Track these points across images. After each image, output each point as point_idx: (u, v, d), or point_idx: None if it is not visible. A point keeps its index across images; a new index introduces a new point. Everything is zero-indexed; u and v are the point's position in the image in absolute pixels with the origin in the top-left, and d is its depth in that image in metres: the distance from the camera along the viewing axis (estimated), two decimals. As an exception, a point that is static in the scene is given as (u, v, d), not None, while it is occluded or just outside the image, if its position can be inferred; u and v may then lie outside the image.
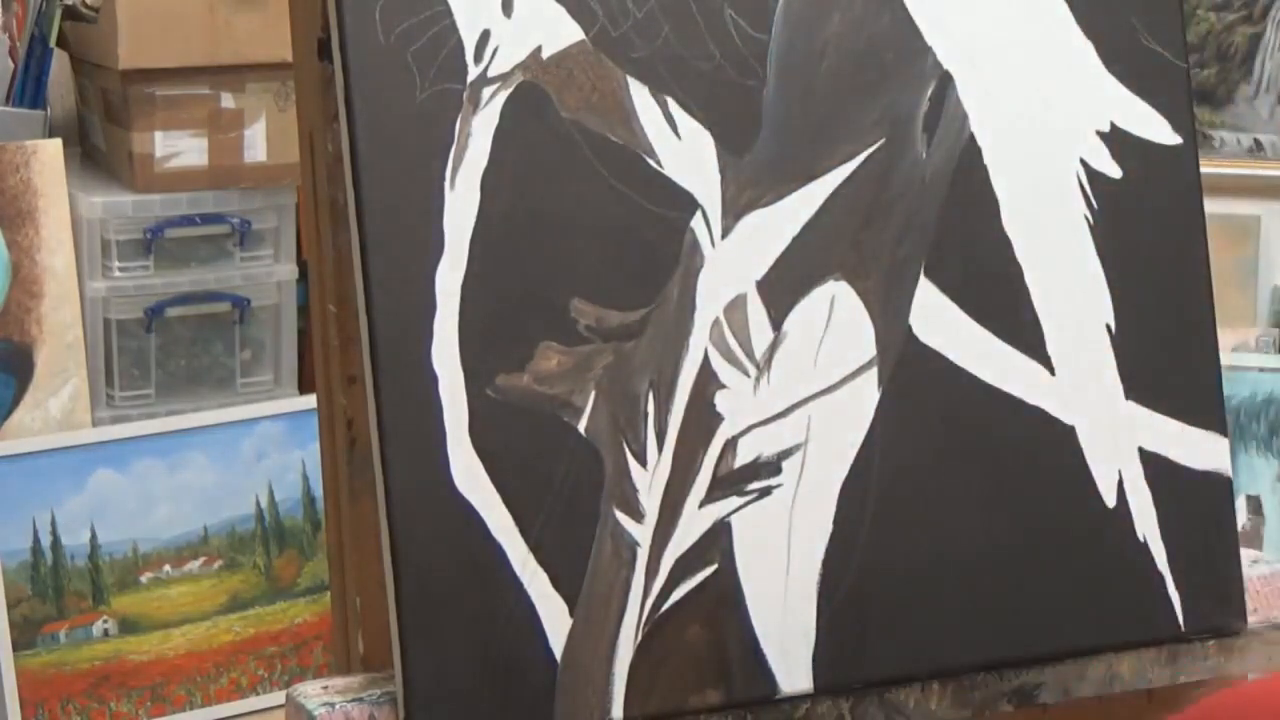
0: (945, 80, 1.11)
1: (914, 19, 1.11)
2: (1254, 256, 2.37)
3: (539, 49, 1.03)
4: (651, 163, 1.04)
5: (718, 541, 1.05)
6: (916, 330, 1.10)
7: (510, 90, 1.02)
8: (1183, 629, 1.15)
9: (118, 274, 2.65)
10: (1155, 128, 1.16)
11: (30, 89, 2.65)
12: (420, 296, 0.99)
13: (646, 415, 1.04)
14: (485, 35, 1.02)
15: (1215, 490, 1.17)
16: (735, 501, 1.05)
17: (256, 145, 2.70)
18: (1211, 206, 1.19)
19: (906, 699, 1.10)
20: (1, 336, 2.53)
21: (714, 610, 1.05)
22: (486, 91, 1.02)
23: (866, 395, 1.08)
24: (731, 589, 1.05)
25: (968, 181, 1.11)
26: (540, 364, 1.02)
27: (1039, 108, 1.14)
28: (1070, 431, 1.13)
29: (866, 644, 1.08)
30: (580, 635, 1.02)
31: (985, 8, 1.12)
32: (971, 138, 1.12)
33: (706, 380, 1.05)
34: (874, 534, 1.08)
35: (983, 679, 1.12)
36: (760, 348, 1.06)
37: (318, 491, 2.60)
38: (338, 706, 1.01)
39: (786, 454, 1.07)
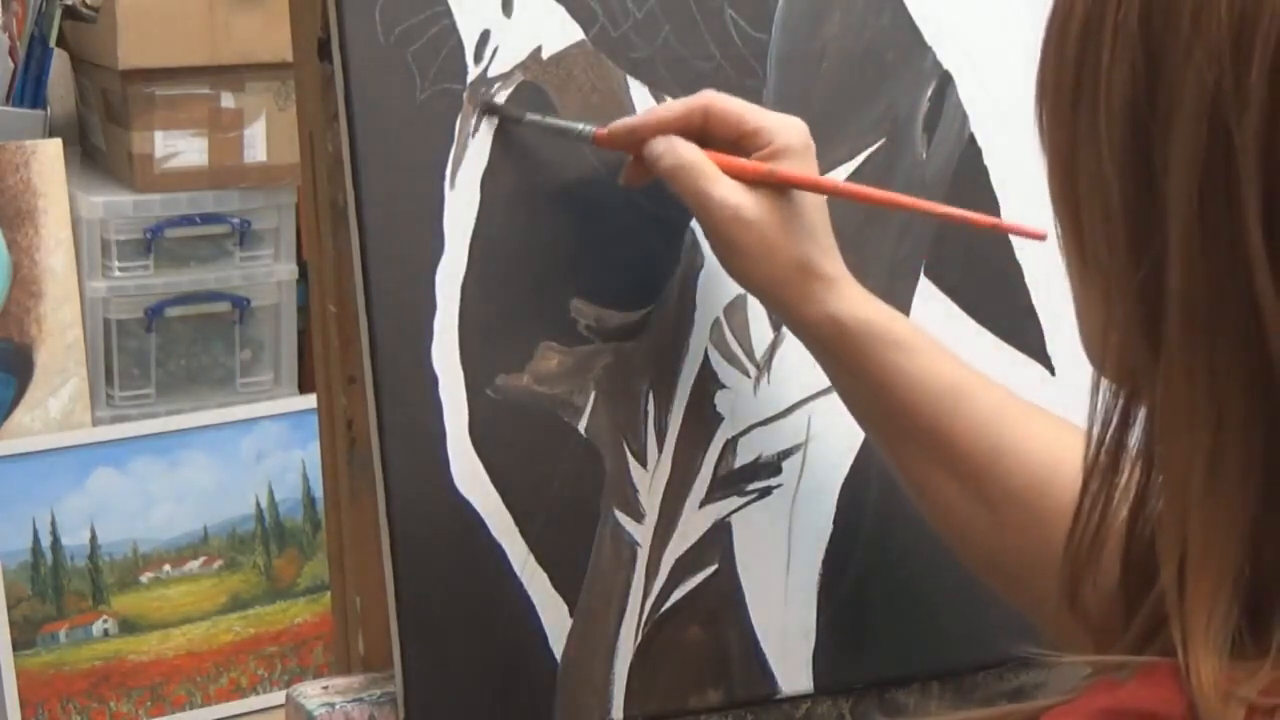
0: (945, 80, 1.11)
1: (914, 19, 1.11)
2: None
3: (539, 49, 1.03)
4: (651, 163, 1.04)
5: (718, 541, 1.05)
6: (917, 330, 1.09)
7: (510, 90, 1.02)
8: (1183, 629, 1.15)
9: (118, 274, 2.65)
10: (1155, 128, 1.16)
11: (30, 89, 2.66)
12: (420, 296, 0.99)
13: (646, 415, 1.04)
14: (485, 35, 1.02)
15: (1215, 490, 1.17)
16: (735, 501, 1.05)
17: (256, 145, 2.70)
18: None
19: (906, 699, 1.10)
20: (1, 336, 2.53)
21: (714, 610, 1.05)
22: (486, 91, 1.02)
23: (866, 395, 1.08)
24: (731, 589, 1.05)
25: (968, 181, 1.11)
26: (540, 364, 1.01)
27: (1039, 108, 1.13)
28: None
29: (866, 644, 1.08)
30: (580, 635, 1.02)
31: (985, 8, 1.13)
32: (971, 138, 1.12)
33: (706, 380, 1.05)
34: (874, 534, 1.08)
35: (983, 679, 1.12)
36: (760, 348, 1.06)
37: (318, 491, 2.60)
38: (338, 706, 1.01)
39: (786, 454, 1.07)
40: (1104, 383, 0.70)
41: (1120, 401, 0.69)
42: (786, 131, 0.98)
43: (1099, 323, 0.68)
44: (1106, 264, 0.66)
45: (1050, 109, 0.68)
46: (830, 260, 0.97)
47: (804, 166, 0.97)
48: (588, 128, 1.00)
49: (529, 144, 1.02)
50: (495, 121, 1.01)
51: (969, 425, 0.95)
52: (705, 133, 0.98)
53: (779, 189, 0.96)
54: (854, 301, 0.97)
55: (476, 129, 1.01)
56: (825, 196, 0.99)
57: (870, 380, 0.96)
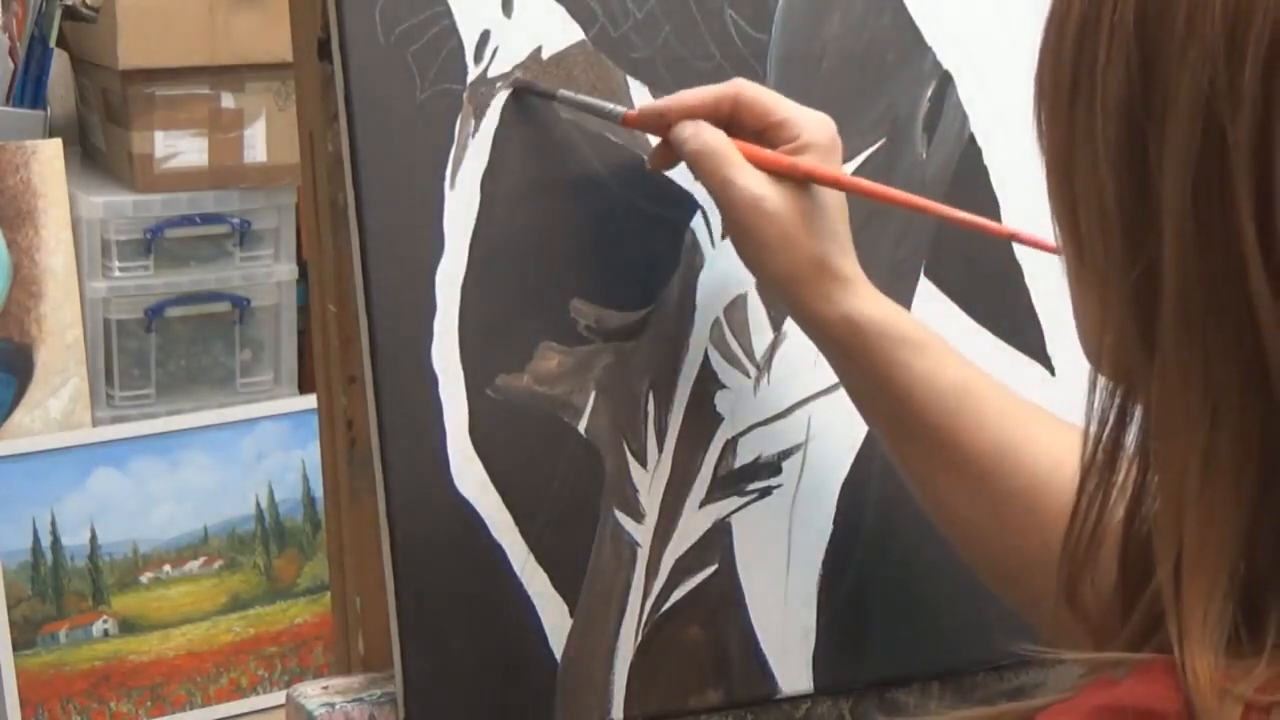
0: (945, 80, 1.12)
1: (914, 19, 1.11)
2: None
3: (539, 49, 1.03)
4: (651, 163, 1.04)
5: (718, 541, 1.05)
6: (916, 330, 1.09)
7: (510, 90, 1.02)
8: (1183, 629, 1.15)
9: (118, 274, 2.65)
10: (1155, 128, 1.16)
11: (30, 89, 2.66)
12: (420, 296, 0.99)
13: (646, 415, 1.04)
14: (485, 35, 1.02)
15: (1215, 490, 1.17)
16: (735, 501, 1.05)
17: (256, 145, 2.70)
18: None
19: (906, 699, 1.10)
20: (1, 336, 2.53)
21: (714, 610, 1.05)
22: (486, 92, 1.02)
23: (866, 395, 1.08)
24: (731, 589, 1.05)
25: (968, 182, 1.11)
26: (540, 364, 1.02)
27: (1039, 108, 1.13)
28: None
29: (866, 644, 1.08)
30: (580, 635, 1.02)
31: (985, 8, 1.13)
32: (971, 138, 1.12)
33: (706, 380, 1.05)
34: (874, 534, 1.08)
35: (983, 679, 1.12)
36: (760, 348, 1.06)
37: (318, 491, 2.60)
38: (338, 706, 1.01)
39: (786, 454, 1.07)
40: (1101, 381, 0.70)
41: (1117, 400, 0.69)
42: (814, 126, 0.98)
43: (1095, 321, 0.68)
44: (1103, 263, 0.66)
45: (1048, 109, 0.68)
46: (847, 260, 0.98)
47: (829, 163, 0.98)
48: (618, 108, 1.01)
49: (529, 144, 1.02)
50: (495, 121, 1.01)
51: (975, 425, 0.95)
52: (733, 121, 0.98)
53: (802, 184, 0.97)
54: (867, 301, 0.97)
55: (477, 128, 1.01)
56: (845, 195, 0.99)
57: (879, 377, 0.97)
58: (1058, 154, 0.68)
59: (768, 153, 0.97)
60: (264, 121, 2.66)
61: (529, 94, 1.01)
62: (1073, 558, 0.71)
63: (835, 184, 0.98)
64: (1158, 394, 0.64)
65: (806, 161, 0.96)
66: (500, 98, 1.02)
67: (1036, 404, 0.99)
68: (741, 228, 0.97)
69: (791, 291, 0.98)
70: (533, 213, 1.02)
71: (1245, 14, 0.60)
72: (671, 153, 1.00)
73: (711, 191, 0.98)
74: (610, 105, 1.01)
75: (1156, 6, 0.62)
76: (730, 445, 1.06)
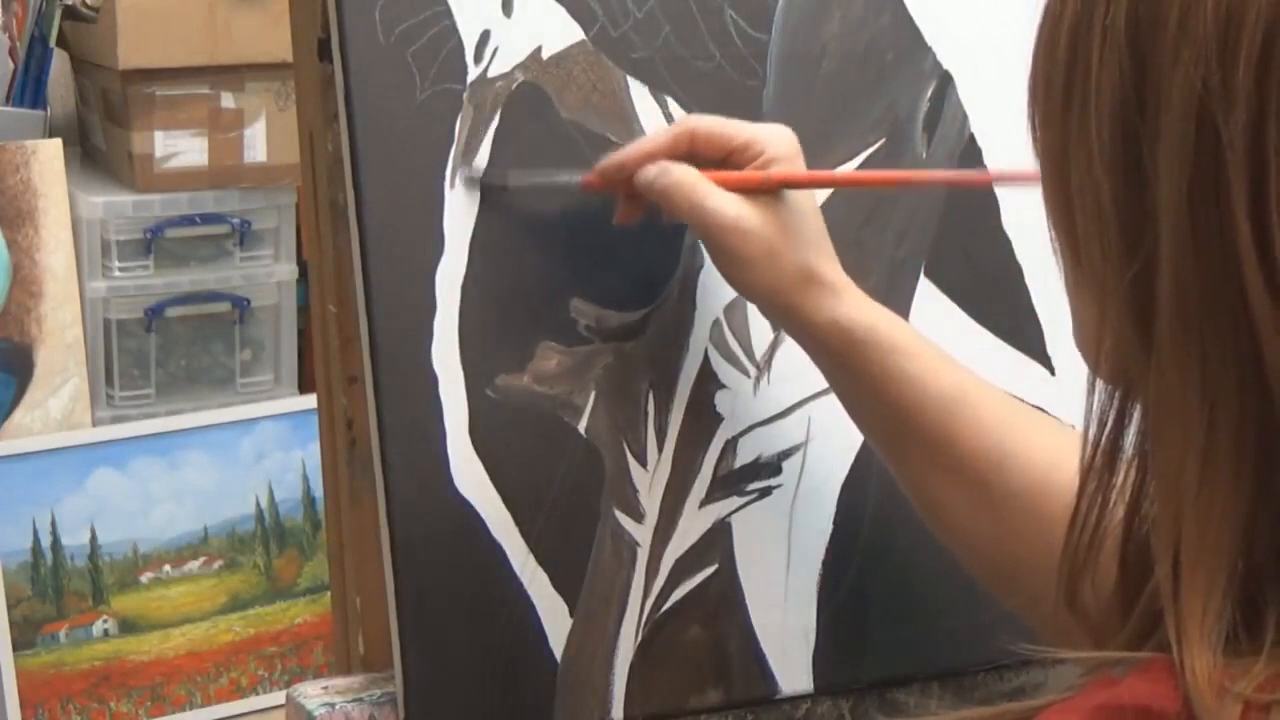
0: (945, 80, 1.12)
1: (914, 19, 1.11)
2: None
3: (539, 49, 1.03)
4: (651, 163, 1.04)
5: (718, 542, 1.05)
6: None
7: (510, 90, 1.02)
8: (1183, 629, 1.15)
9: (118, 274, 2.65)
10: (1155, 128, 1.16)
11: (30, 89, 2.66)
12: (420, 296, 0.99)
13: (646, 415, 1.04)
14: (485, 35, 1.02)
15: (1215, 490, 1.17)
16: (735, 501, 1.05)
17: (256, 145, 2.70)
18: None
19: (906, 699, 1.10)
20: (1, 336, 2.53)
21: (714, 610, 1.05)
22: (486, 92, 1.02)
23: (866, 395, 1.08)
24: (731, 589, 1.05)
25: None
26: (540, 364, 1.02)
27: (1039, 108, 1.13)
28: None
29: (866, 644, 1.08)
30: (580, 635, 1.02)
31: (985, 8, 1.13)
32: (971, 138, 1.12)
33: (706, 380, 1.05)
34: (874, 534, 1.08)
35: (983, 679, 1.12)
36: (760, 348, 1.06)
37: (318, 491, 2.60)
38: (338, 706, 1.01)
39: (786, 454, 1.07)
40: (1099, 383, 0.70)
41: (1115, 402, 0.69)
42: (775, 141, 0.98)
43: (1093, 324, 0.68)
44: (1099, 264, 0.66)
45: (1042, 112, 0.68)
46: (831, 266, 0.98)
47: (796, 170, 0.98)
48: (575, 178, 1.00)
49: (529, 144, 1.02)
50: (495, 121, 1.02)
51: (972, 430, 0.95)
52: (694, 156, 0.98)
53: (776, 197, 0.97)
54: (857, 306, 0.97)
55: (478, 128, 1.01)
56: (820, 204, 0.99)
57: (873, 385, 0.97)
58: (1052, 156, 0.68)
59: (737, 174, 0.97)
60: (264, 121, 2.66)
61: (488, 187, 1.00)
62: (1073, 559, 0.71)
63: (811, 183, 0.98)
64: (1155, 395, 0.64)
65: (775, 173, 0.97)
66: (499, 97, 1.01)
67: (1031, 407, 0.99)
68: (724, 249, 0.97)
69: (780, 303, 0.98)
70: (533, 213, 1.02)
71: (1238, 14, 0.60)
72: (637, 205, 1.00)
73: (688, 222, 0.98)
74: (566, 176, 1.01)
75: (1149, 8, 0.63)
76: (730, 445, 1.06)
